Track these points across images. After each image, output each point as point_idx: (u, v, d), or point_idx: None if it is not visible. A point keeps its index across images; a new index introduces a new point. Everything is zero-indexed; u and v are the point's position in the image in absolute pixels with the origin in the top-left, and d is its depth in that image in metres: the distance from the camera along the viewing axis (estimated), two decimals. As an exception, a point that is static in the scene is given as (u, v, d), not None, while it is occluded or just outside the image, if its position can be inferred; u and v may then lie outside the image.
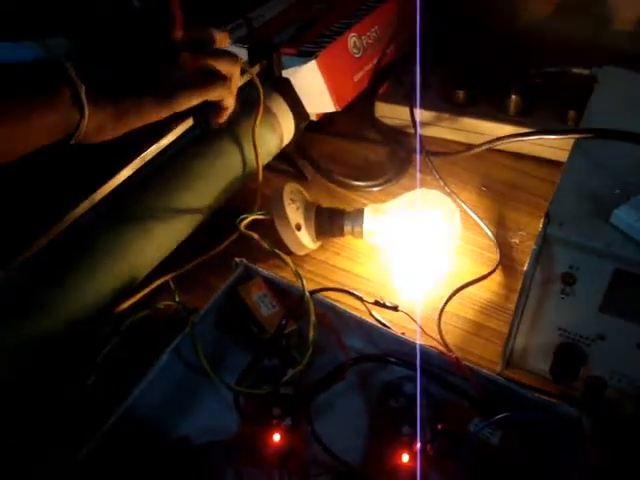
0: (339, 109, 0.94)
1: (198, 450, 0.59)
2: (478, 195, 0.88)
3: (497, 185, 0.90)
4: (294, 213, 0.76)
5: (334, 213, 0.78)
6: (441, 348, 0.66)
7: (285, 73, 0.87)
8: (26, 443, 0.59)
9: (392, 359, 0.65)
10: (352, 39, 0.97)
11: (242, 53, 0.86)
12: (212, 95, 0.65)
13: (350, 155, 0.97)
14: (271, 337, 0.65)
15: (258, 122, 0.78)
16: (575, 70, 0.92)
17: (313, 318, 0.64)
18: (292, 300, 0.67)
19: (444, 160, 0.90)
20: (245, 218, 0.72)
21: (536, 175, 0.91)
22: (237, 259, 0.71)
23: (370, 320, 0.68)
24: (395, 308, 0.69)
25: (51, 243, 0.63)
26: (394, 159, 0.95)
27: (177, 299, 0.72)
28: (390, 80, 1.02)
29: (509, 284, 0.76)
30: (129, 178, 0.68)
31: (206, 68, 0.64)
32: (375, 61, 1.01)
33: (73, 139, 0.57)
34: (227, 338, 0.69)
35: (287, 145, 0.88)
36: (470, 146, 0.85)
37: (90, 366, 0.65)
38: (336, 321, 0.66)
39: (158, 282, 0.73)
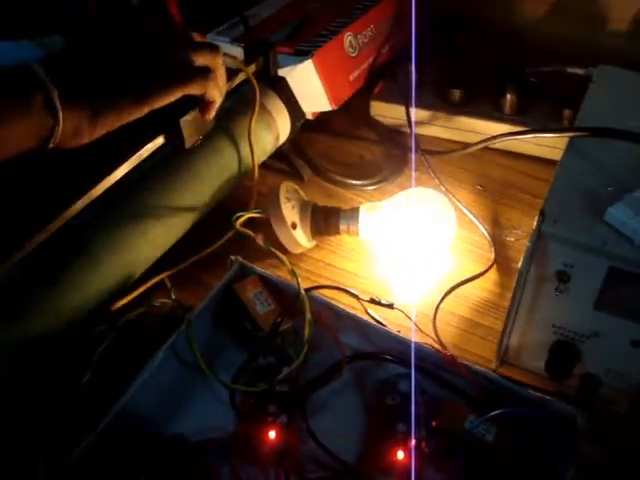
0: (335, 108, 0.94)
1: (194, 447, 0.59)
2: (474, 194, 0.89)
3: (493, 184, 0.90)
4: (290, 212, 0.76)
5: (330, 212, 0.78)
6: (436, 346, 0.66)
7: (281, 72, 0.87)
8: (24, 442, 0.59)
9: (388, 357, 0.65)
10: (348, 38, 0.97)
11: (238, 52, 0.86)
12: (192, 89, 0.62)
13: (346, 154, 0.97)
14: (267, 335, 0.65)
15: (254, 120, 0.79)
16: (570, 69, 0.93)
17: (308, 316, 0.64)
18: (288, 298, 0.67)
19: (440, 159, 0.90)
20: (241, 216, 0.72)
21: (531, 174, 0.91)
22: (232, 257, 0.71)
23: (366, 318, 0.68)
24: (391, 306, 0.69)
25: (47, 241, 0.63)
26: (390, 158, 0.95)
27: (173, 297, 0.72)
28: (386, 79, 1.02)
29: (504, 282, 0.76)
30: (125, 176, 0.68)
31: (185, 62, 0.62)
32: (371, 60, 1.01)
33: (50, 144, 0.55)
34: (223, 336, 0.69)
35: (283, 144, 0.88)
36: (466, 145, 0.85)
37: (86, 364, 0.65)
38: (332, 319, 0.66)
39: (154, 280, 0.73)
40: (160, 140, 0.69)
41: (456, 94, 0.96)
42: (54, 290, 0.63)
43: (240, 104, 0.81)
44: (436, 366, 0.64)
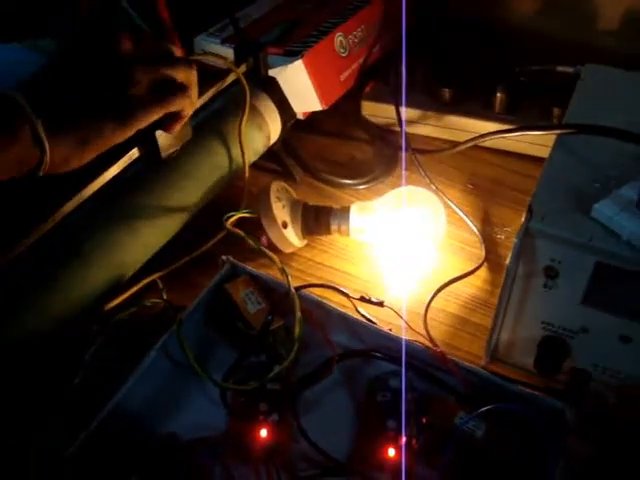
0: (325, 108, 0.94)
1: (186, 446, 0.59)
2: (464, 192, 0.89)
3: (483, 182, 0.91)
4: (280, 211, 0.76)
5: (320, 211, 0.78)
6: (427, 343, 0.66)
7: (272, 72, 0.88)
8: (19, 441, 0.60)
9: (378, 354, 0.66)
10: (338, 39, 0.97)
11: (229, 53, 0.87)
12: (173, 107, 0.62)
13: (337, 153, 0.97)
14: (257, 334, 0.65)
15: (244, 121, 0.79)
16: (559, 68, 0.93)
17: (299, 314, 0.64)
18: (278, 297, 0.67)
19: (430, 158, 0.91)
20: (232, 216, 0.72)
21: (522, 172, 0.91)
22: (224, 257, 0.71)
23: (356, 316, 0.68)
24: (381, 304, 0.69)
25: (38, 242, 0.63)
26: (381, 157, 0.95)
27: (164, 297, 0.72)
28: (376, 79, 1.02)
29: (494, 280, 0.77)
30: (116, 177, 0.69)
31: (163, 79, 0.61)
32: (361, 60, 1.02)
33: (40, 172, 0.55)
34: (214, 335, 0.69)
35: (274, 144, 0.88)
36: (456, 144, 0.86)
37: (78, 364, 0.65)
38: (322, 317, 0.66)
39: (146, 281, 0.73)
40: (135, 152, 0.68)
41: (446, 93, 0.96)
42: (46, 291, 0.63)
43: (231, 105, 0.81)
44: (426, 363, 0.64)
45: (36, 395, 0.62)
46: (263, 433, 0.59)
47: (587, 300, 0.59)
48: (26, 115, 0.53)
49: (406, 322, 0.69)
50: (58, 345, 0.64)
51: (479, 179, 0.91)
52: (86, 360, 0.65)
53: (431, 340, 0.69)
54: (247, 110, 0.79)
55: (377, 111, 0.99)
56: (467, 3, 1.11)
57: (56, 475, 0.55)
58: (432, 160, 0.91)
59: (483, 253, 0.79)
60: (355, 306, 0.70)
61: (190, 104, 0.64)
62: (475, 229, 0.82)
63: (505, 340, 0.65)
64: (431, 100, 0.98)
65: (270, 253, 0.68)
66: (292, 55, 0.91)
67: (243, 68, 0.82)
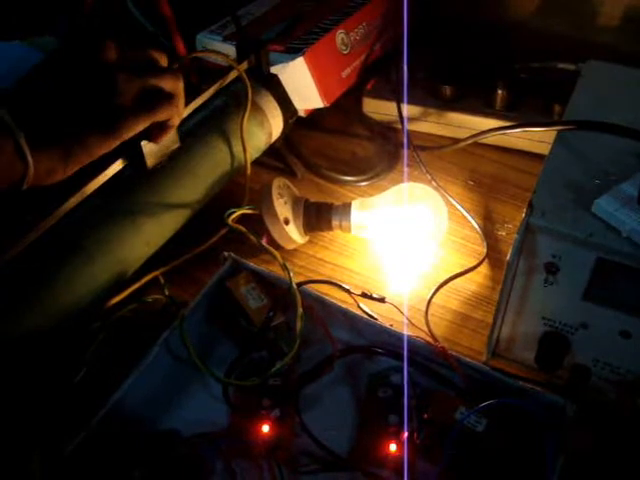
0: (327, 105, 0.94)
1: (187, 442, 0.60)
2: (465, 189, 0.89)
3: (484, 179, 0.91)
4: (282, 207, 0.76)
5: (322, 207, 0.79)
6: (428, 339, 0.66)
7: (273, 70, 0.88)
8: (20, 438, 0.60)
9: (379, 350, 0.66)
10: (340, 36, 0.97)
11: (230, 50, 0.87)
12: (159, 117, 0.62)
13: (338, 150, 0.97)
14: (259, 329, 0.65)
15: (246, 118, 0.79)
16: (560, 65, 0.93)
17: (300, 310, 0.65)
18: (280, 293, 0.68)
19: (431, 154, 0.91)
20: (233, 212, 0.73)
21: (522, 169, 0.91)
22: (225, 253, 0.71)
23: (357, 312, 0.68)
24: (382, 300, 0.69)
25: (40, 239, 0.63)
26: (382, 154, 0.95)
27: (166, 293, 0.72)
28: (377, 76, 1.02)
29: (496, 276, 0.77)
30: (118, 173, 0.69)
31: (149, 89, 0.61)
32: (363, 57, 1.02)
33: (24, 186, 0.55)
34: (216, 331, 0.69)
35: (276, 141, 0.88)
36: (457, 140, 0.86)
37: (80, 360, 0.65)
38: (323, 313, 0.67)
39: (148, 277, 0.74)
40: (119, 164, 0.67)
41: (447, 90, 0.96)
42: (48, 287, 0.63)
43: (232, 102, 0.82)
44: (427, 359, 0.64)
45: (38, 392, 0.63)
46: (265, 428, 0.60)
47: (588, 296, 0.59)
48: (9, 129, 0.52)
49: (407, 318, 0.69)
50: (60, 342, 0.64)
51: (480, 176, 0.91)
52: (88, 356, 0.66)
53: (432, 336, 0.69)
54: (249, 107, 0.79)
55: (378, 108, 0.99)
56: (469, 1, 1.11)
57: (58, 472, 0.56)
58: (433, 157, 0.91)
59: (484, 249, 0.79)
60: (356, 302, 0.70)
61: (176, 114, 0.64)
62: (476, 225, 0.82)
63: (506, 336, 0.66)
64: (432, 97, 0.98)
65: (272, 249, 0.69)
66: (294, 52, 0.91)
67: (245, 65, 0.83)
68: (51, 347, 0.64)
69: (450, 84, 0.96)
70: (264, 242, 0.71)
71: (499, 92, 0.94)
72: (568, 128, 0.66)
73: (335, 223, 0.78)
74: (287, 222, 0.77)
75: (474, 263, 0.78)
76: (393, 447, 0.59)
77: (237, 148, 0.80)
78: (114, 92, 0.58)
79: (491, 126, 0.81)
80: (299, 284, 0.67)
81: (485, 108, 0.95)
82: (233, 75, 0.81)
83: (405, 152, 0.92)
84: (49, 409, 0.62)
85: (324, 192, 0.89)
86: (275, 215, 0.75)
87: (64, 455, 0.56)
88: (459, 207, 0.84)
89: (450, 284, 0.75)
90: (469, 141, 0.82)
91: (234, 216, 0.73)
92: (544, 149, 0.82)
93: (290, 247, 0.79)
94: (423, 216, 0.77)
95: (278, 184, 0.78)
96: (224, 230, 0.78)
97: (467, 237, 0.82)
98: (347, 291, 0.70)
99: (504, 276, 0.60)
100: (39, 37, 0.95)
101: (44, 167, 0.55)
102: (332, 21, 0.98)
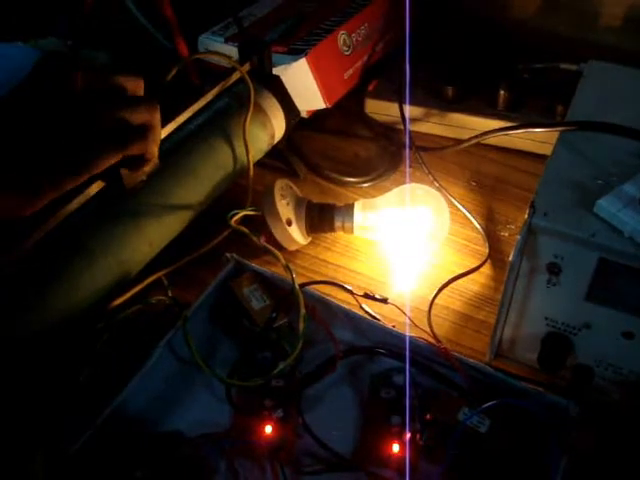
0: (329, 106, 0.95)
1: (190, 442, 0.60)
2: (467, 189, 0.89)
3: (486, 180, 0.91)
4: (285, 208, 0.77)
5: (324, 208, 0.79)
6: (430, 340, 0.66)
7: (275, 71, 0.88)
8: (24, 437, 0.60)
9: (382, 351, 0.66)
10: (342, 37, 0.98)
11: (232, 51, 0.87)
12: (131, 151, 0.59)
13: (341, 151, 0.97)
14: (262, 330, 0.66)
15: (249, 119, 0.79)
16: (563, 65, 0.94)
17: (303, 311, 0.65)
18: (283, 294, 0.68)
19: (434, 155, 0.91)
20: (236, 214, 0.73)
21: (525, 169, 0.91)
22: (228, 254, 0.72)
23: (360, 313, 0.68)
24: (384, 300, 0.69)
25: (43, 240, 0.63)
26: (384, 155, 0.95)
27: (170, 294, 0.72)
28: (380, 77, 1.03)
29: (498, 276, 0.77)
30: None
31: (121, 121, 0.58)
32: (365, 58, 1.02)
33: None
34: (219, 332, 0.69)
35: (279, 142, 0.88)
36: (459, 141, 0.86)
37: (84, 361, 0.65)
38: (326, 314, 0.67)
39: (151, 278, 0.74)
40: (95, 188, 0.66)
41: (449, 91, 0.96)
42: (51, 288, 0.63)
43: (235, 103, 0.82)
44: (430, 359, 0.64)
45: (41, 392, 0.63)
46: (268, 429, 0.60)
47: (590, 296, 0.59)
48: None
49: (410, 319, 0.69)
50: (64, 342, 0.64)
51: (482, 176, 0.91)
52: (92, 357, 0.66)
53: (435, 337, 0.69)
54: (251, 108, 0.79)
55: (381, 109, 0.99)
56: (471, 1, 1.11)
57: (61, 471, 0.56)
58: (435, 158, 0.91)
59: (487, 250, 0.80)
60: (359, 303, 0.70)
61: (153, 145, 0.62)
62: (479, 226, 0.82)
63: (508, 336, 0.66)
64: (434, 98, 0.98)
65: (274, 250, 0.69)
66: (296, 53, 0.91)
67: (247, 67, 0.83)
68: (55, 347, 0.64)
69: (452, 85, 0.96)
70: (267, 243, 0.71)
71: (501, 93, 0.94)
72: (570, 129, 0.66)
73: (338, 224, 0.78)
74: (289, 223, 0.77)
75: (476, 264, 0.78)
76: (396, 448, 0.59)
77: (240, 149, 0.80)
78: (83, 127, 0.56)
79: (493, 127, 0.81)
80: (302, 285, 0.67)
81: (487, 109, 0.95)
82: (235, 76, 0.81)
83: (407, 153, 0.92)
84: (53, 409, 0.62)
85: (326, 193, 0.90)
86: (278, 216, 0.75)
87: (68, 455, 0.56)
88: (461, 208, 0.84)
89: (452, 285, 0.75)
90: (471, 142, 0.82)
91: (237, 217, 0.73)
92: (547, 150, 0.83)
93: (292, 248, 0.79)
94: (425, 217, 0.77)
95: (280, 185, 0.78)
96: (227, 231, 0.78)
97: (469, 238, 0.82)
98: (349, 292, 0.70)
99: (506, 277, 0.61)
100: (42, 38, 0.95)
101: (9, 206, 0.54)
102: (334, 22, 0.99)
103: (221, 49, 0.93)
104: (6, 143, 0.54)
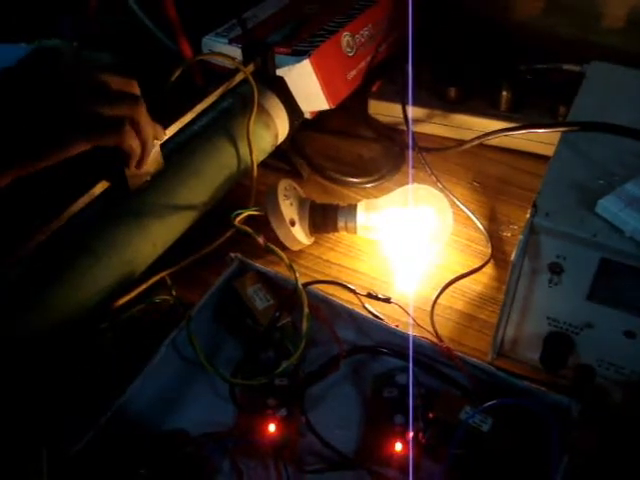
0: (333, 107, 0.95)
1: (194, 441, 0.60)
2: (470, 190, 0.89)
3: (489, 180, 0.91)
4: (288, 209, 0.77)
5: (327, 208, 0.79)
6: (433, 339, 0.67)
7: (279, 72, 0.88)
8: (28, 436, 0.60)
9: (385, 350, 0.66)
10: (345, 38, 0.98)
11: (236, 53, 0.87)
12: (104, 142, 0.60)
13: (344, 152, 0.98)
14: (265, 330, 0.66)
15: (252, 120, 0.80)
16: (566, 66, 0.94)
17: (306, 310, 0.65)
18: (286, 293, 0.68)
19: (436, 156, 0.91)
20: (240, 214, 0.73)
21: (527, 170, 0.92)
22: (232, 254, 0.72)
23: (363, 312, 0.69)
24: (387, 300, 0.70)
25: (49, 240, 0.64)
26: (387, 156, 0.96)
27: (174, 294, 0.73)
28: (383, 78, 1.03)
29: (501, 277, 0.77)
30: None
31: (96, 114, 0.59)
32: (368, 59, 1.03)
33: None
34: (223, 331, 0.70)
35: (282, 142, 0.89)
36: (462, 142, 0.86)
37: (88, 360, 0.66)
38: (329, 313, 0.67)
39: (155, 278, 0.74)
40: (99, 188, 0.67)
41: (452, 92, 0.97)
42: (56, 288, 0.63)
43: (239, 104, 0.82)
44: (432, 359, 0.65)
45: (45, 391, 0.63)
46: (271, 428, 0.60)
47: (592, 296, 0.59)
48: None
49: (413, 318, 0.69)
50: (68, 341, 0.65)
51: (485, 177, 0.92)
52: (96, 356, 0.66)
53: (437, 336, 0.69)
54: (255, 109, 0.80)
55: (384, 110, 1.00)
56: (473, 2, 1.11)
57: (65, 471, 0.56)
58: (438, 158, 0.91)
59: (489, 250, 0.80)
60: (362, 303, 0.70)
61: (132, 139, 0.62)
62: (481, 226, 0.82)
63: (511, 336, 0.66)
64: (437, 99, 0.98)
65: (278, 250, 0.69)
66: (299, 55, 0.91)
67: (251, 68, 0.83)
68: (59, 347, 0.64)
69: (455, 86, 0.97)
70: (270, 243, 0.71)
71: (504, 94, 0.94)
72: (572, 129, 0.66)
73: (341, 224, 0.79)
74: (293, 223, 0.77)
75: (479, 264, 0.78)
76: (399, 446, 0.59)
77: (243, 150, 0.80)
78: (57, 112, 0.58)
79: (496, 128, 0.81)
80: (305, 284, 0.67)
81: (490, 110, 0.95)
82: (239, 77, 0.82)
83: (410, 154, 0.92)
84: (56, 408, 0.62)
85: (330, 193, 0.90)
86: (281, 216, 0.76)
87: (71, 454, 0.56)
88: (464, 208, 0.84)
89: (455, 285, 0.76)
90: (474, 143, 0.82)
91: (240, 217, 0.73)
92: (549, 150, 0.83)
93: (296, 248, 0.79)
94: (428, 217, 0.77)
95: (284, 185, 0.79)
96: (231, 231, 0.79)
97: (472, 238, 0.82)
98: (353, 291, 0.70)
99: (509, 277, 0.61)
100: (46, 39, 0.96)
101: None
102: (337, 23, 0.99)
103: (225, 50, 0.94)
104: None
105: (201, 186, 0.76)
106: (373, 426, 0.62)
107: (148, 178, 0.70)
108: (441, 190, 0.83)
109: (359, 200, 0.81)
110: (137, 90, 0.63)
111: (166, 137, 0.71)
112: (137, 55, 1.05)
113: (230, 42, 0.96)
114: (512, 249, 0.78)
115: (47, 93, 0.58)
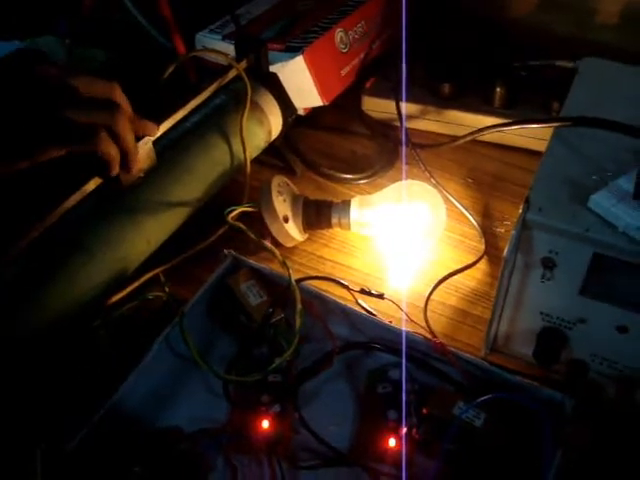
0: (326, 103, 0.95)
1: (188, 438, 0.60)
2: (464, 186, 0.89)
3: (483, 176, 0.91)
4: (281, 205, 0.77)
5: (321, 205, 0.79)
6: (427, 335, 0.67)
7: (272, 68, 0.88)
8: (22, 434, 0.60)
9: (378, 346, 0.66)
10: (339, 34, 0.98)
11: (230, 49, 0.87)
12: (79, 148, 0.60)
13: (338, 148, 0.98)
14: (259, 326, 0.66)
15: (245, 116, 0.80)
16: (559, 63, 0.94)
17: (299, 306, 0.65)
18: (280, 290, 0.68)
19: (430, 152, 0.91)
20: (233, 210, 0.73)
21: (521, 166, 0.92)
22: (226, 250, 0.72)
23: (356, 308, 0.69)
24: (381, 296, 0.70)
25: (41, 237, 0.64)
26: (381, 152, 0.96)
27: (167, 290, 0.73)
28: (377, 74, 1.03)
29: (494, 272, 0.77)
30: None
31: (77, 120, 0.59)
32: (362, 56, 1.02)
33: None
34: (216, 328, 0.70)
35: (275, 139, 0.89)
36: (455, 138, 0.86)
37: (81, 357, 0.66)
38: (322, 309, 0.67)
39: (148, 275, 0.74)
40: (92, 185, 0.66)
41: (446, 88, 0.97)
42: (49, 286, 0.63)
43: (232, 100, 0.82)
44: (426, 354, 0.65)
45: (39, 389, 0.63)
46: (265, 424, 0.60)
47: (585, 291, 0.59)
48: None
49: (406, 314, 0.69)
50: (61, 339, 0.65)
51: (479, 173, 0.92)
52: (88, 354, 0.66)
53: (431, 332, 0.69)
54: (248, 106, 0.80)
55: (377, 106, 1.00)
56: (471, 1, 1.11)
57: (60, 468, 0.56)
58: (432, 154, 0.91)
59: (483, 246, 0.80)
60: (355, 298, 0.70)
61: (107, 145, 0.61)
62: (475, 222, 0.82)
63: (504, 331, 0.66)
64: (431, 95, 0.98)
65: (271, 247, 0.69)
66: (293, 51, 0.91)
67: (244, 64, 0.83)
68: (53, 344, 0.64)
69: (449, 82, 0.97)
70: (264, 240, 0.71)
71: (497, 90, 0.94)
72: (564, 124, 0.66)
73: (334, 221, 0.79)
74: (286, 220, 0.77)
75: (473, 260, 0.78)
76: (392, 442, 0.59)
77: (237, 146, 0.80)
78: (38, 115, 0.58)
79: (489, 124, 0.81)
80: (298, 281, 0.67)
81: (483, 106, 0.96)
82: (232, 74, 0.82)
83: (404, 150, 0.92)
84: (51, 406, 0.62)
85: (323, 190, 0.90)
86: (274, 213, 0.76)
87: (66, 452, 0.56)
88: (457, 204, 0.84)
89: (449, 281, 0.76)
90: (467, 138, 0.82)
91: (234, 214, 0.73)
92: (542, 146, 0.83)
93: (289, 244, 0.79)
94: (422, 213, 0.77)
95: (277, 182, 0.78)
96: (224, 228, 0.78)
97: (465, 234, 0.82)
98: (346, 287, 0.70)
99: (501, 272, 0.61)
100: (38, 37, 0.95)
101: None
102: (331, 20, 0.99)
103: (218, 47, 0.94)
104: None
105: (194, 183, 0.76)
106: (367, 422, 0.62)
107: (141, 175, 0.70)
108: (434, 186, 0.83)
109: (353, 196, 0.81)
110: (118, 95, 0.62)
111: (159, 134, 0.71)
112: (131, 52, 1.05)
113: (223, 38, 0.96)
114: (505, 245, 0.78)
115: (20, 97, 0.58)
